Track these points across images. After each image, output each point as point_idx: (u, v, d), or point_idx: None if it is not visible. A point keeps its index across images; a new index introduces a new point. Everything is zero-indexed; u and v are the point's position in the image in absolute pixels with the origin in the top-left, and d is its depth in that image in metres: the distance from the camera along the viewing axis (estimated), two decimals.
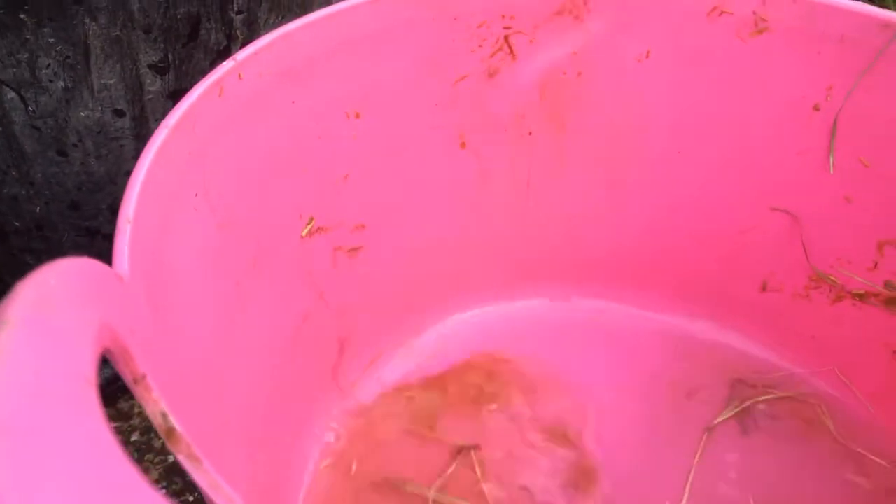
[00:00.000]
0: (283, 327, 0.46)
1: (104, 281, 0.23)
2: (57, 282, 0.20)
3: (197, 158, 0.37)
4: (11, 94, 0.44)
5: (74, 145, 0.47)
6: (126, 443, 0.52)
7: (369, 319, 0.53)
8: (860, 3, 0.46)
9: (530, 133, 0.52)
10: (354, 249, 0.49)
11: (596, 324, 0.57)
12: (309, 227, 0.44)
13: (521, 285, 0.58)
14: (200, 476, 0.21)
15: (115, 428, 0.54)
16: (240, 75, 0.38)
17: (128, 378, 0.23)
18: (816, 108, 0.49)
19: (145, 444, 0.53)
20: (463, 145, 0.51)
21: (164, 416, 0.22)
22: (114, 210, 0.52)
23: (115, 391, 0.55)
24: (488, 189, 0.53)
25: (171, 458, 0.52)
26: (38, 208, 0.50)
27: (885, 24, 0.45)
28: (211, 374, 0.36)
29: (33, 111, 0.45)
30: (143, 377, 0.23)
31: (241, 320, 0.41)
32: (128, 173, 0.50)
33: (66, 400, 0.15)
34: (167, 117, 0.35)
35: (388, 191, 0.49)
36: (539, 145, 0.53)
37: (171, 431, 0.22)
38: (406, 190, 0.50)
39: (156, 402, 0.23)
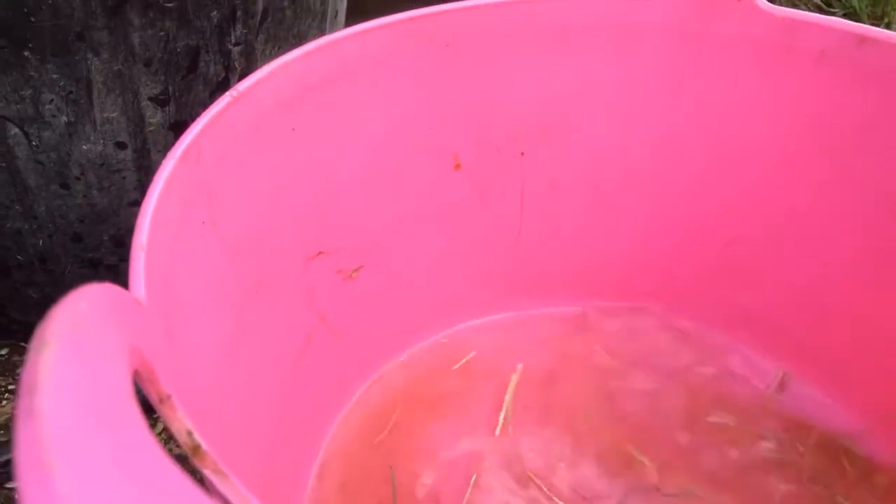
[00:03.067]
0: (287, 350, 0.47)
1: (128, 305, 0.24)
2: (88, 306, 0.21)
3: (203, 187, 0.37)
4: (15, 130, 0.45)
5: (77, 178, 0.48)
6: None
7: (370, 338, 0.53)
8: (838, 18, 0.48)
9: (522, 153, 0.54)
10: (355, 271, 0.50)
11: (590, 336, 0.58)
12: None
13: (516, 301, 0.59)
14: (229, 490, 0.22)
15: None
16: (241, 105, 0.39)
17: (154, 398, 0.24)
18: (798, 119, 0.50)
19: None
20: (457, 167, 0.52)
21: (189, 434, 0.23)
22: (116, 241, 0.53)
23: None
24: (483, 208, 0.54)
25: None
26: (41, 241, 0.51)
27: (862, 39, 0.46)
28: (219, 395, 0.37)
29: (36, 146, 0.46)
30: (169, 397, 0.23)
31: (246, 343, 0.42)
32: (130, 204, 0.51)
33: (113, 412, 0.16)
34: (174, 148, 0.35)
35: (386, 213, 0.51)
36: (531, 165, 0.54)
37: (196, 448, 0.23)
38: (404, 211, 0.51)
39: (181, 420, 0.23)
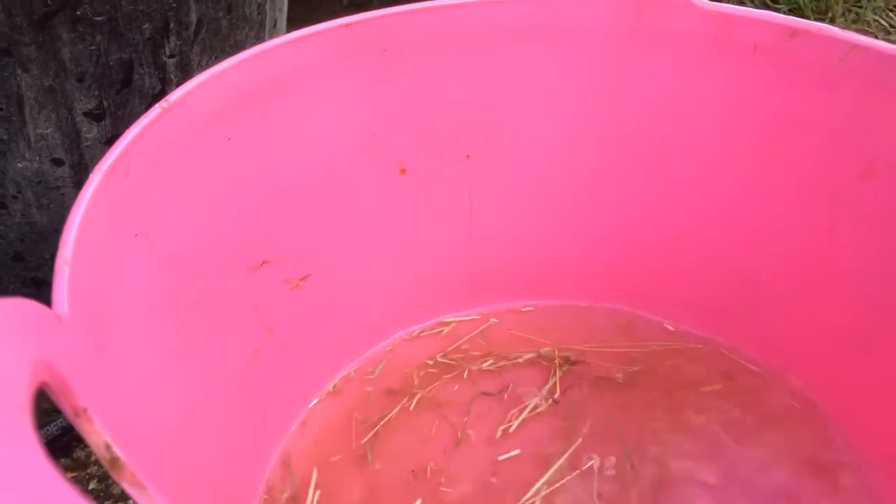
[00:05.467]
0: (235, 363, 0.46)
1: (41, 320, 0.24)
2: None
3: (134, 200, 0.37)
4: None
5: (14, 197, 0.48)
6: (83, 492, 0.52)
7: (321, 348, 0.53)
8: (770, 12, 0.49)
9: (468, 156, 0.54)
10: (302, 280, 0.50)
11: (540, 335, 0.58)
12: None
13: (466, 303, 0.59)
14: (145, 501, 0.21)
15: (72, 477, 0.53)
16: (172, 116, 0.39)
17: (68, 412, 0.23)
18: (738, 112, 0.51)
19: (104, 491, 0.53)
20: (402, 171, 0.52)
21: (107, 446, 0.23)
22: None
23: (70, 441, 0.55)
24: (431, 212, 0.54)
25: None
26: None
27: (794, 31, 0.47)
28: (163, 410, 0.37)
29: None
30: (84, 410, 0.23)
31: (191, 357, 0.41)
32: None
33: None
34: (101, 161, 0.35)
35: (331, 221, 0.50)
36: (477, 168, 0.54)
37: (114, 461, 0.23)
38: (349, 218, 0.51)
39: (98, 433, 0.23)
